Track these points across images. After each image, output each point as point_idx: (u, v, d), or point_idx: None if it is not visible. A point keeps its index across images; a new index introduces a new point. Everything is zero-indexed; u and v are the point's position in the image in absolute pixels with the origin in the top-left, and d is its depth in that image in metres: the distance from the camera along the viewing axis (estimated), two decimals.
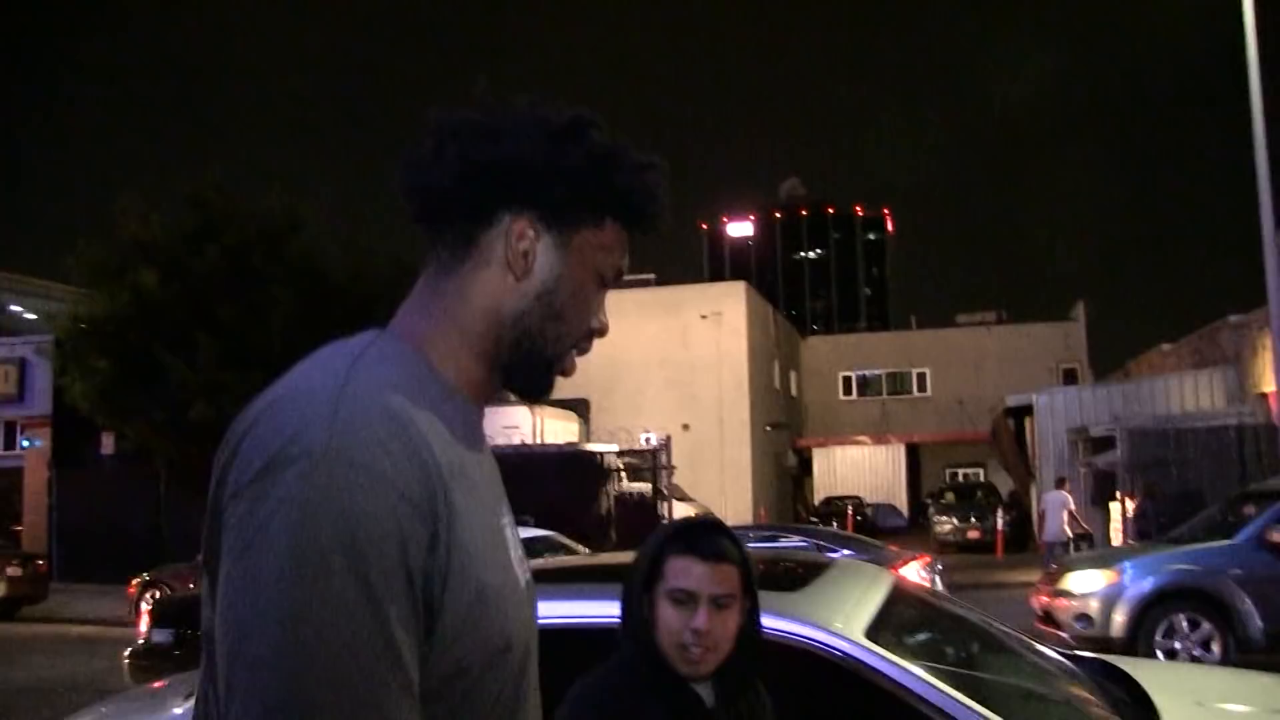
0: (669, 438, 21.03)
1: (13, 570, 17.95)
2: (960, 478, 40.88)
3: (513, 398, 1.43)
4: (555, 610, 2.79)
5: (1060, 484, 18.27)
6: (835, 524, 30.65)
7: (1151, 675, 3.75)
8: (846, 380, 46.12)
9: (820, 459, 44.56)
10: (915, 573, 10.78)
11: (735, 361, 34.52)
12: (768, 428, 37.08)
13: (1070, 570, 10.94)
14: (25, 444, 24.86)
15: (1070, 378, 39.87)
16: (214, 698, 1.07)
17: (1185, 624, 10.06)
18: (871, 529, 34.86)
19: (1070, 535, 16.93)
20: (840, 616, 2.85)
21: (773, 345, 39.58)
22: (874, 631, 2.81)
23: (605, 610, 2.79)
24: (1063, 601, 10.54)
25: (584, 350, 1.33)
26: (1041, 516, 18.25)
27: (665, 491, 19.95)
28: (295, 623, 0.98)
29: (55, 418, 23.56)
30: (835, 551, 11.74)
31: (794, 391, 44.03)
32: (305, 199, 21.19)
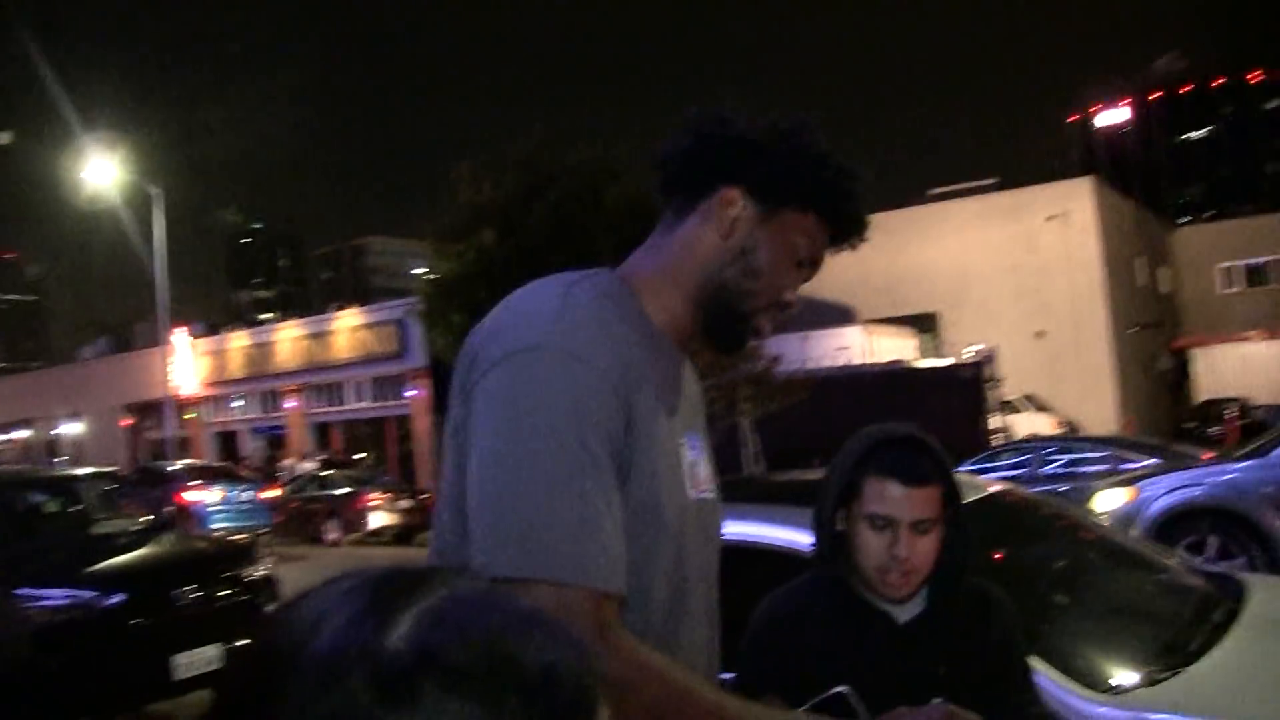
0: (994, 349, 20.45)
1: (404, 503, 20.59)
2: None
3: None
4: (739, 530, 2.96)
5: None
6: (1213, 429, 28.58)
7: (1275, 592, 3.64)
8: (1226, 272, 42.04)
9: (1202, 359, 40.92)
10: None
11: (1087, 262, 32.48)
12: (1132, 329, 34.76)
13: (1099, 490, 9.92)
14: (410, 393, 28.00)
15: None
16: (448, 531, 1.42)
17: (1215, 545, 8.92)
18: (1261, 432, 31.89)
19: None
20: None
21: (1133, 241, 36.85)
22: None
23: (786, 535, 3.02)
24: None
25: (774, 319, 1.57)
26: None
27: (991, 404, 19.46)
28: (533, 457, 1.30)
29: (432, 368, 26.32)
30: (1136, 462, 11.26)
31: (1164, 288, 40.80)
32: (626, 144, 22.28)
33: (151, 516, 8.02)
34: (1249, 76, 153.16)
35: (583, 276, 1.50)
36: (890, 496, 1.80)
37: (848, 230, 1.58)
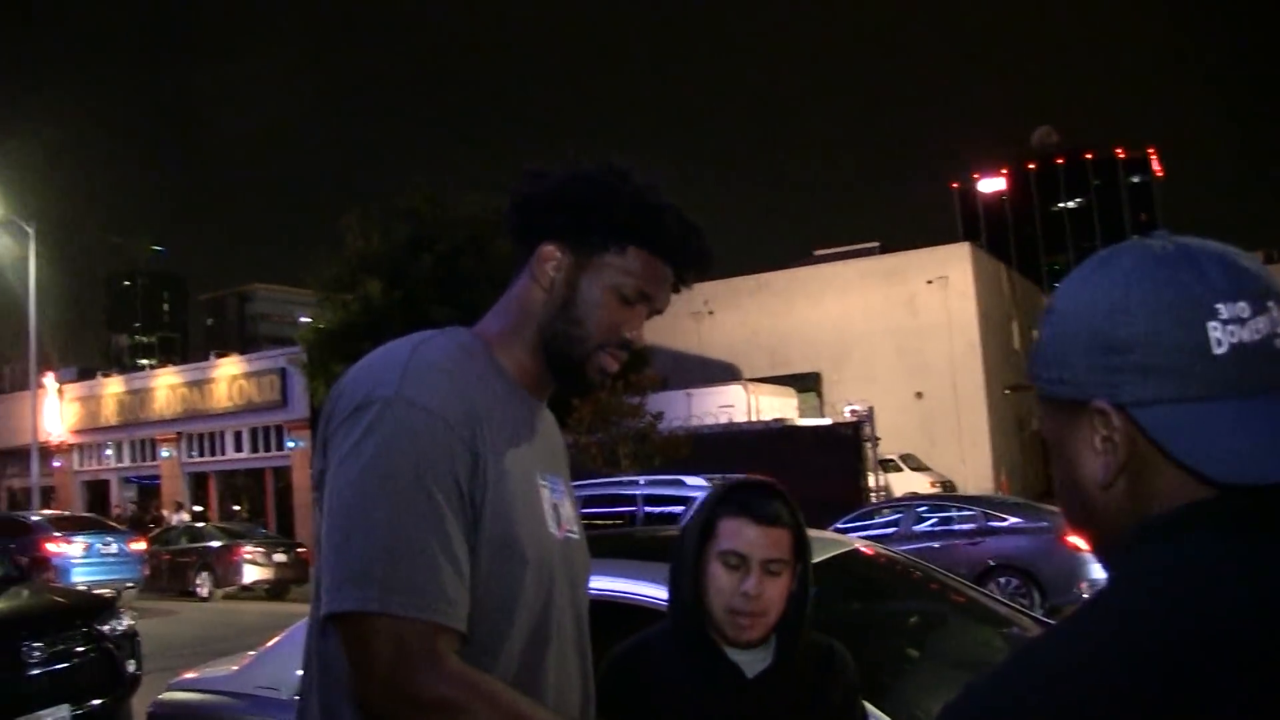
0: (871, 409, 20.93)
1: (279, 556, 20.06)
2: None
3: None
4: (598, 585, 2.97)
5: None
6: None
7: None
8: None
9: None
10: None
11: (965, 325, 33.51)
12: (1007, 391, 35.85)
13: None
14: (291, 444, 27.40)
15: None
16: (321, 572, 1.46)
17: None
18: None
19: None
20: None
21: (1008, 305, 38.18)
22: None
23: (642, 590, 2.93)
24: None
25: (618, 357, 1.62)
26: None
27: (869, 463, 19.89)
28: (374, 503, 1.37)
29: (314, 419, 25.83)
30: (1003, 520, 11.67)
31: None
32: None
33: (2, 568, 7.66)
34: (1117, 151, 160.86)
35: (437, 333, 1.57)
36: (744, 535, 1.85)
37: (675, 259, 1.60)
